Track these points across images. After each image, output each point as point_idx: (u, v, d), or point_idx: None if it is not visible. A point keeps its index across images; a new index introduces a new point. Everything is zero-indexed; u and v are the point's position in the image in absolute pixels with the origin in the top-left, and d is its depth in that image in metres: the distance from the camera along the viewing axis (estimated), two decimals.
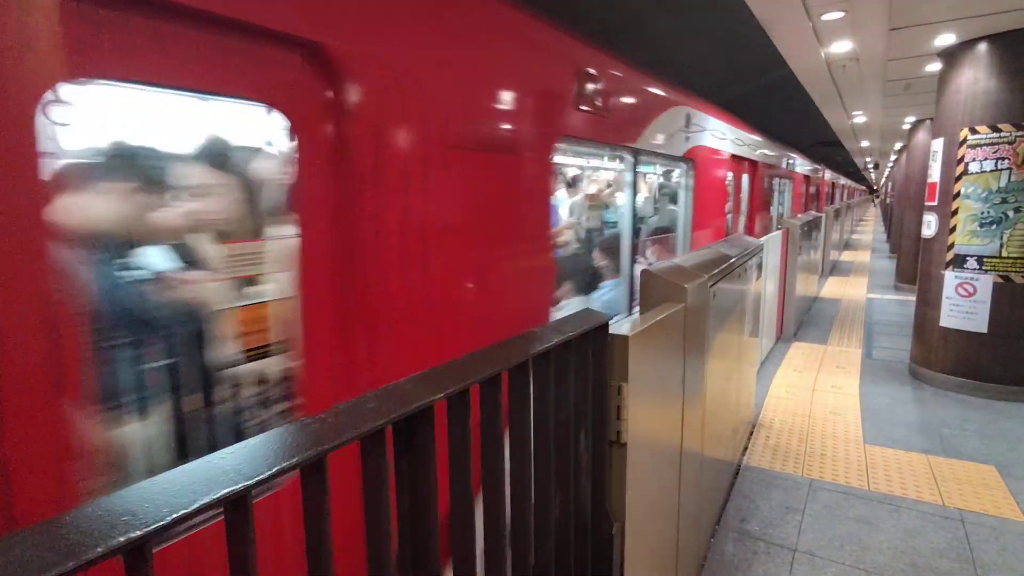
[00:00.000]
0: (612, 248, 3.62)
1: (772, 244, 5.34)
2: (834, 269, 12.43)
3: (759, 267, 3.97)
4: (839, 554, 2.68)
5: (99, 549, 0.51)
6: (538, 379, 1.22)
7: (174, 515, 0.55)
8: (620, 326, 1.58)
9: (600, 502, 1.53)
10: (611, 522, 1.56)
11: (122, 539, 0.52)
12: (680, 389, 2.05)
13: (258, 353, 1.53)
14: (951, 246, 4.79)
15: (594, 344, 1.43)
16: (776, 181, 7.96)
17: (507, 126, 1.98)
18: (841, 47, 5.32)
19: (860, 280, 11.15)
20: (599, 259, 3.79)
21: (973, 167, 4.59)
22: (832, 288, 10.16)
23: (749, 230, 6.43)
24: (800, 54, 5.60)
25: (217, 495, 0.60)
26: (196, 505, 0.56)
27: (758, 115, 6.64)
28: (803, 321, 7.43)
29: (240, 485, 0.62)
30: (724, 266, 2.57)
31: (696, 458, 2.35)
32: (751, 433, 4.02)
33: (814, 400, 4.69)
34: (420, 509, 0.92)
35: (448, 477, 0.99)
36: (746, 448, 3.79)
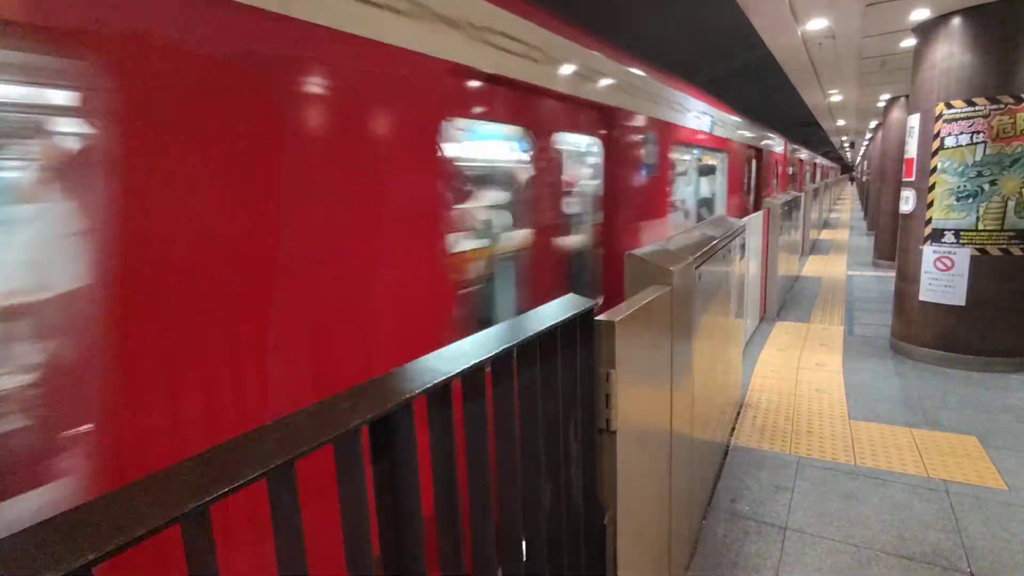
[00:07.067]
0: None
1: (753, 225, 5.35)
2: (814, 248, 12.57)
3: (742, 248, 3.96)
4: (828, 530, 2.70)
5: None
6: (524, 369, 1.18)
7: (122, 539, 0.50)
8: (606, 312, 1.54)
9: (591, 492, 1.49)
10: (603, 511, 1.53)
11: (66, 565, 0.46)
12: (668, 373, 2.02)
13: None
14: (929, 221, 4.84)
15: (580, 331, 1.39)
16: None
17: None
18: (817, 24, 5.31)
19: (839, 258, 11.29)
20: None
21: (949, 142, 4.63)
22: (813, 267, 10.27)
23: None
24: (777, 33, 5.59)
25: (174, 514, 0.54)
26: (142, 530, 0.51)
27: (739, 95, 6.61)
28: (786, 300, 7.49)
29: (197, 502, 0.56)
30: (708, 247, 2.54)
31: (686, 442, 2.34)
32: (738, 413, 4.04)
33: (799, 378, 4.72)
34: (403, 510, 0.87)
35: (432, 474, 0.94)
36: (734, 428, 3.81)
